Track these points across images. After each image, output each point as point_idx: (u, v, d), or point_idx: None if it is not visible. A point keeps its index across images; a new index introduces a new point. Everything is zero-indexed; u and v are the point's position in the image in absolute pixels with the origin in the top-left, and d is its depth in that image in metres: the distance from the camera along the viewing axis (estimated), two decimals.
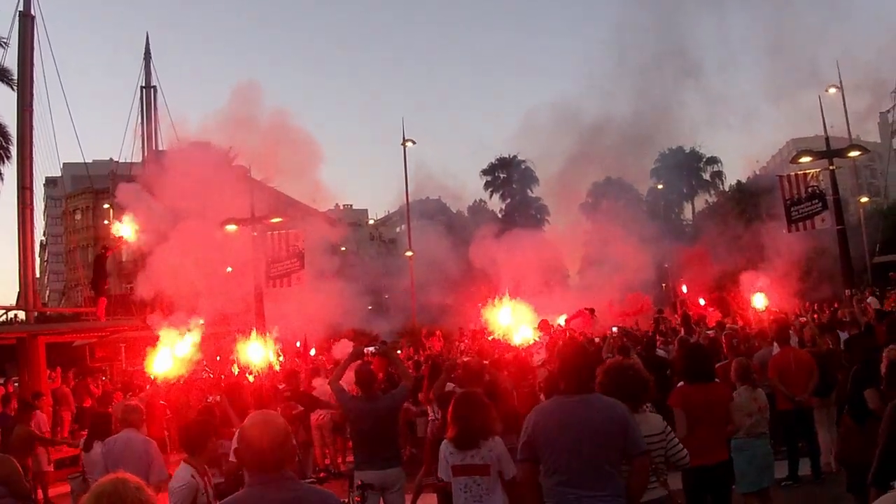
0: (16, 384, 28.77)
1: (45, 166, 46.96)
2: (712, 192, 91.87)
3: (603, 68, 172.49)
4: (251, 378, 24.90)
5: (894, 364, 9.49)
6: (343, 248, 32.99)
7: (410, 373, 13.74)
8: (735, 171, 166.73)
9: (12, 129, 38.21)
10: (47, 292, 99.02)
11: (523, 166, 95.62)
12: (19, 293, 29.50)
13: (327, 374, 20.72)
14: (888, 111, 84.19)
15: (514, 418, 10.98)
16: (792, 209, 30.04)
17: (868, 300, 26.97)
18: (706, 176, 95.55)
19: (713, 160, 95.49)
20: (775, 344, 16.34)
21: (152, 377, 21.59)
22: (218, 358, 27.38)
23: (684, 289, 32.83)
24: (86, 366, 34.87)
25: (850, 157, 32.81)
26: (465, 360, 12.80)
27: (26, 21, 29.81)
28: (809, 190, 29.77)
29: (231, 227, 29.36)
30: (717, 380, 10.76)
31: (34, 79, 30.22)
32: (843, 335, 19.03)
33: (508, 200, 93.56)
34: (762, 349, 17.03)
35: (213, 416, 12.93)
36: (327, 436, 20.86)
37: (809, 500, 13.85)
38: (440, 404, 11.53)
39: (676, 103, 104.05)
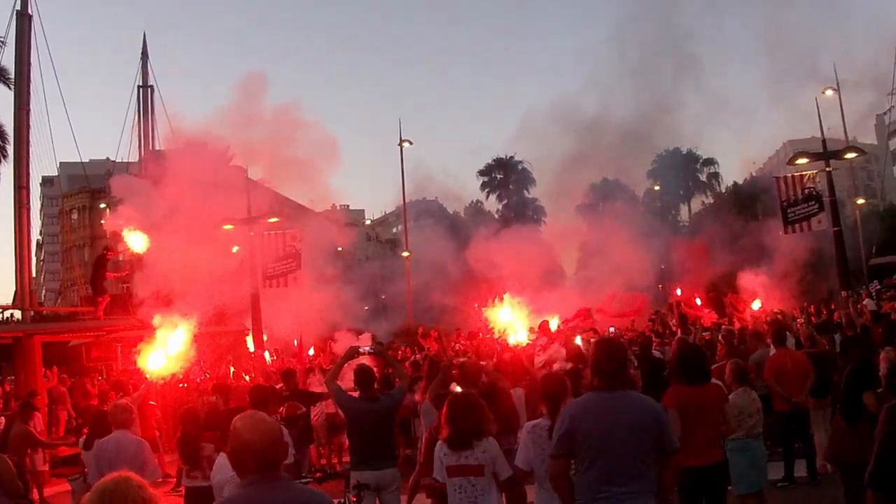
0: (11, 383, 28.77)
1: (42, 166, 46.99)
2: (709, 193, 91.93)
3: (601, 69, 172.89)
4: (247, 378, 24.94)
5: (895, 366, 9.51)
6: (339, 249, 32.88)
7: (406, 373, 13.74)
8: (731, 173, 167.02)
9: (9, 129, 38.19)
10: (43, 292, 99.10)
11: (520, 167, 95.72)
12: (15, 292, 29.51)
13: (323, 374, 20.73)
14: (885, 113, 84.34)
15: (512, 419, 11.00)
16: (788, 211, 30.10)
17: (864, 302, 26.98)
18: (703, 177, 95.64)
19: (710, 161, 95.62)
20: (771, 345, 16.37)
21: (146, 376, 21.57)
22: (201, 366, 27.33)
23: (678, 291, 32.77)
24: (81, 365, 34.86)
25: (846, 158, 32.88)
26: (462, 360, 12.76)
27: (24, 20, 29.78)
28: (806, 191, 29.83)
29: (227, 227, 29.37)
30: (713, 380, 10.77)
31: (31, 78, 30.20)
32: (836, 337, 19.09)
33: (505, 201, 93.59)
34: (758, 350, 17.03)
35: (199, 418, 12.92)
36: (322, 436, 20.86)
37: (805, 501, 13.86)
38: (435, 405, 11.53)
39: (674, 104, 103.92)
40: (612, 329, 26.29)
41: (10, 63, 33.31)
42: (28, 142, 30.07)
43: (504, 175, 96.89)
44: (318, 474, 11.63)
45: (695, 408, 9.31)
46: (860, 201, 61.45)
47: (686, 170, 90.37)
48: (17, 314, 31.33)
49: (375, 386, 11.77)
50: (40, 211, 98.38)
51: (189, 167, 27.43)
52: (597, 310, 28.88)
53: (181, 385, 23.58)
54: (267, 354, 29.86)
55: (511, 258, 29.57)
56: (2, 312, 37.55)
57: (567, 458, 7.19)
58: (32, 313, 30.89)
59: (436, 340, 27.76)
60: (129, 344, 26.38)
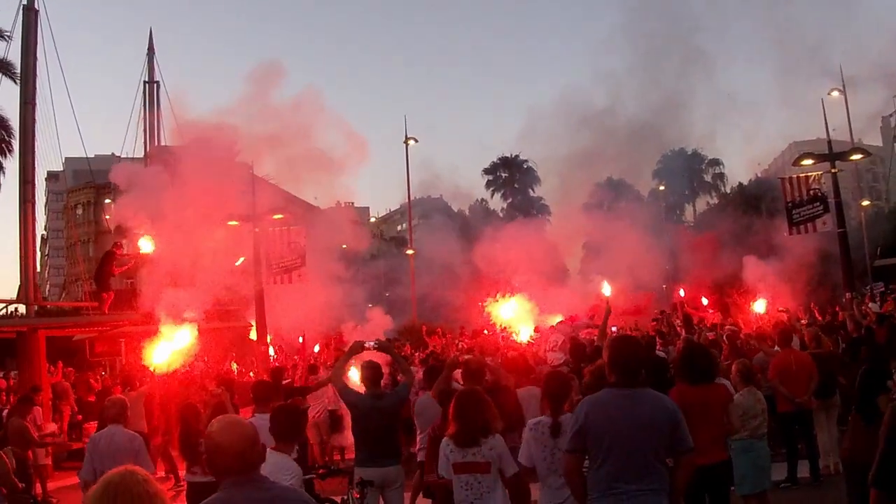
0: (14, 377, 28.79)
1: (47, 161, 46.86)
2: (714, 193, 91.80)
3: (606, 68, 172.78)
4: (252, 375, 24.94)
5: None
6: (344, 246, 32.85)
7: (411, 369, 13.70)
8: (736, 174, 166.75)
9: (14, 123, 38.22)
10: (48, 286, 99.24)
11: (525, 166, 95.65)
12: (20, 287, 29.48)
13: (327, 371, 20.73)
14: (891, 115, 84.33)
15: (515, 417, 10.98)
16: (793, 212, 30.11)
17: (868, 306, 26.93)
18: (708, 178, 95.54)
19: (715, 162, 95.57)
20: (776, 346, 16.35)
21: (151, 369, 21.54)
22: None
23: (681, 292, 32.71)
24: (85, 360, 34.88)
25: (852, 160, 32.84)
26: (467, 358, 12.76)
27: (30, 15, 29.74)
28: (811, 192, 29.83)
29: (232, 223, 29.36)
30: (719, 380, 10.76)
31: (37, 73, 30.15)
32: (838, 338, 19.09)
33: (510, 200, 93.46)
34: (762, 351, 17.00)
35: (198, 414, 12.92)
36: (325, 432, 20.84)
37: (808, 502, 13.84)
38: (440, 401, 11.52)
39: (679, 104, 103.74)
40: (613, 329, 26.25)
41: (16, 58, 33.28)
42: (33, 137, 30.03)
43: (509, 174, 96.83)
44: (321, 470, 11.62)
45: (699, 407, 9.28)
46: (865, 203, 61.46)
47: (691, 170, 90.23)
48: (22, 308, 31.28)
49: (382, 383, 11.76)
50: (45, 206, 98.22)
51: (195, 162, 27.36)
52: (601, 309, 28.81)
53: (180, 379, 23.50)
54: (272, 350, 29.89)
55: (516, 254, 29.49)
56: (6, 307, 37.52)
57: (581, 453, 7.20)
58: (36, 308, 30.84)
59: (439, 336, 27.82)
60: (133, 339, 26.41)
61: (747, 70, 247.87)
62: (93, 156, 35.09)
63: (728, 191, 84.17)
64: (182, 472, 17.13)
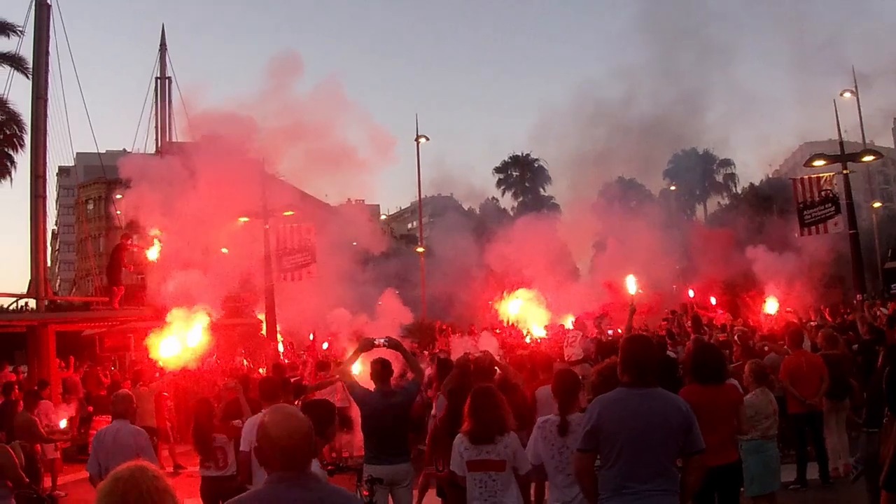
0: (24, 373, 28.84)
1: (59, 156, 47.09)
2: (725, 194, 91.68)
3: (617, 67, 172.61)
4: (262, 371, 24.93)
5: None
6: (354, 243, 32.84)
7: (421, 367, 13.67)
8: (748, 174, 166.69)
9: (26, 118, 38.32)
10: (58, 281, 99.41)
11: (536, 165, 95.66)
12: (30, 281, 29.52)
13: (336, 368, 20.70)
14: None
15: (526, 415, 10.95)
16: (805, 213, 30.05)
17: (880, 308, 26.88)
18: (719, 178, 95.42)
19: (726, 162, 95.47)
20: (787, 347, 16.29)
21: (160, 365, 21.56)
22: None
23: (691, 293, 32.66)
24: (95, 355, 34.94)
25: (863, 161, 32.73)
26: (477, 355, 12.73)
27: (42, 10, 29.79)
28: (823, 194, 29.76)
29: (243, 219, 29.38)
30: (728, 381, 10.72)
31: (49, 68, 30.21)
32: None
33: (521, 199, 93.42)
34: (772, 353, 16.94)
35: (211, 409, 12.93)
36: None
37: None
38: (448, 398, 11.50)
39: (691, 104, 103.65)
40: (619, 330, 26.21)
41: (28, 52, 33.40)
42: (45, 131, 30.08)
43: (520, 172, 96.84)
44: (329, 467, 11.61)
45: (709, 408, 9.24)
46: (877, 204, 61.36)
47: (702, 170, 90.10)
48: (32, 303, 31.33)
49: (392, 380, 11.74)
50: (56, 201, 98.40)
51: (208, 158, 27.35)
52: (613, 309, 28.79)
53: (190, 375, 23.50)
54: (281, 347, 29.86)
55: (526, 250, 29.49)
56: (16, 301, 37.56)
57: (593, 453, 7.19)
58: (47, 302, 30.92)
59: (440, 332, 27.76)
60: (143, 334, 26.43)
61: (760, 70, 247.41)
62: (104, 151, 35.14)
63: (739, 191, 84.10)
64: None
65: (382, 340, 11.95)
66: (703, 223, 77.60)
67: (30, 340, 27.54)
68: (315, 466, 7.82)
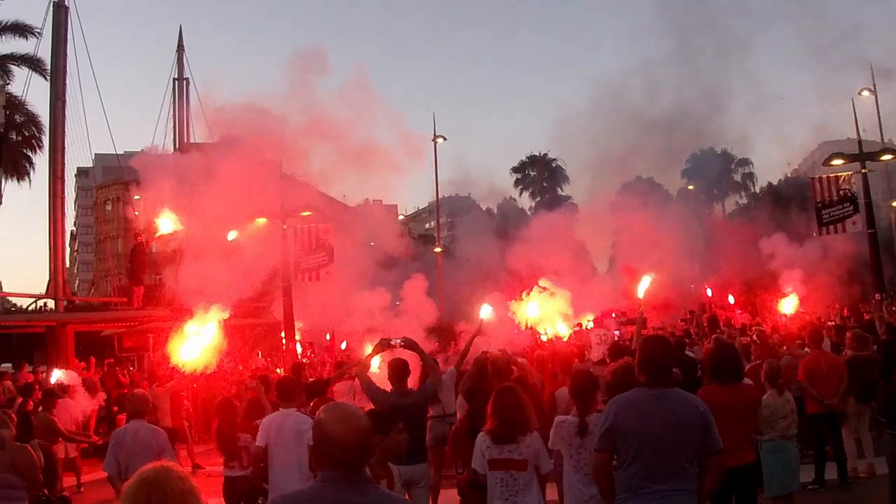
0: (44, 373, 28.96)
1: (77, 157, 47.28)
2: (743, 193, 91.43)
3: (635, 66, 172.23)
4: (279, 371, 24.96)
5: None
6: (372, 244, 32.79)
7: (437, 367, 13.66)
8: (766, 173, 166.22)
9: (45, 120, 38.62)
10: (77, 282, 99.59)
11: (554, 164, 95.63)
12: (49, 282, 29.66)
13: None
14: None
15: (543, 415, 10.94)
16: (823, 212, 29.98)
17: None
18: (737, 177, 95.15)
19: (745, 161, 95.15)
20: (806, 347, 16.23)
21: (178, 366, 21.62)
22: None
23: (709, 292, 32.61)
24: (113, 355, 35.08)
25: (882, 160, 32.59)
26: (494, 355, 12.74)
27: (60, 11, 29.97)
28: (841, 193, 29.68)
29: (261, 220, 29.40)
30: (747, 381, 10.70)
31: (67, 69, 30.38)
32: None
33: (538, 198, 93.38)
34: (791, 352, 16.88)
35: (235, 409, 12.98)
36: None
37: None
38: (467, 399, 11.49)
39: (709, 103, 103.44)
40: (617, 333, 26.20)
41: (46, 54, 33.59)
42: (63, 133, 30.27)
43: (538, 172, 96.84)
44: None
45: (727, 408, 9.21)
46: (895, 203, 61.07)
47: (720, 170, 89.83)
48: (51, 304, 31.50)
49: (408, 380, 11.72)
50: (75, 202, 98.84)
51: (226, 157, 27.34)
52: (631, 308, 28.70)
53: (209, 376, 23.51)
54: (299, 347, 29.90)
55: (546, 249, 29.42)
56: (35, 301, 37.74)
57: (610, 453, 7.17)
58: (65, 303, 31.07)
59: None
60: (161, 334, 26.49)
61: (776, 67, 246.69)
62: (122, 152, 35.28)
63: (757, 191, 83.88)
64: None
65: (399, 341, 11.95)
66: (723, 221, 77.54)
67: (49, 341, 27.69)
68: None
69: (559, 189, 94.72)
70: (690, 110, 79.30)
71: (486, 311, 20.19)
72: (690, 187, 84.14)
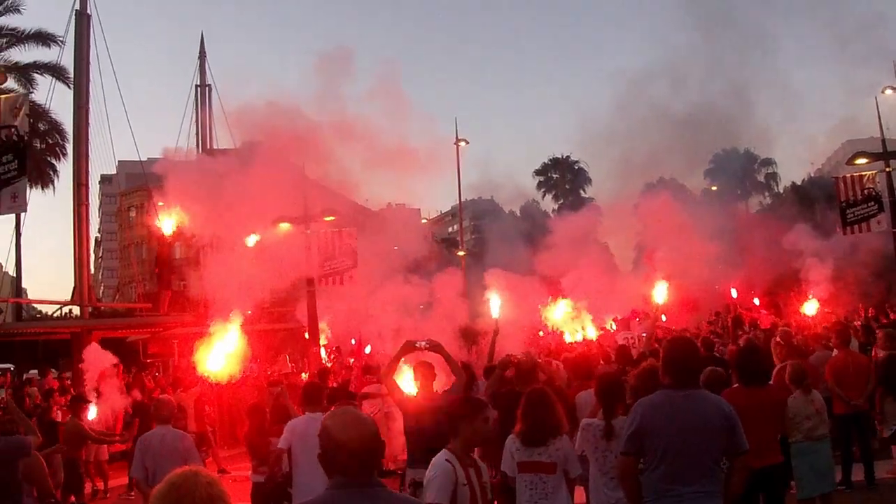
0: (69, 379, 29.07)
1: (101, 164, 47.49)
2: (766, 194, 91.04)
3: (656, 67, 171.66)
4: (304, 376, 24.97)
5: None
6: (396, 248, 32.76)
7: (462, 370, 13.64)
8: (788, 173, 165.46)
9: (68, 127, 38.83)
10: (101, 288, 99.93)
11: (577, 167, 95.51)
12: (74, 288, 29.78)
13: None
14: None
15: (568, 419, 10.93)
16: (847, 211, 29.86)
17: None
18: (760, 177, 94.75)
19: (768, 161, 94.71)
20: (833, 346, 16.11)
21: (203, 375, 21.63)
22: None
23: (734, 293, 32.47)
24: (139, 361, 35.19)
25: None
26: (518, 358, 12.70)
27: (82, 20, 30.07)
28: (865, 192, 29.56)
29: (284, 225, 29.42)
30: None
31: (90, 77, 30.51)
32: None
33: (561, 201, 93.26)
34: (818, 352, 16.77)
35: (265, 414, 13.01)
36: (383, 433, 20.58)
37: None
38: (491, 402, 11.47)
39: (732, 102, 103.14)
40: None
41: (69, 62, 33.74)
42: (87, 140, 30.39)
43: (560, 175, 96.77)
44: None
45: (752, 409, 9.18)
46: None
47: (744, 170, 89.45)
48: (76, 310, 31.62)
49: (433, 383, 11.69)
50: (99, 208, 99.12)
51: (249, 163, 27.37)
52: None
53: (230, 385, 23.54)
54: (323, 352, 29.89)
55: (570, 251, 29.41)
56: (60, 308, 37.87)
57: (636, 456, 7.16)
58: (90, 309, 31.17)
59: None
60: (186, 340, 26.57)
61: (799, 64, 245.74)
62: (146, 159, 35.39)
63: (781, 191, 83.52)
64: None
65: (423, 343, 11.91)
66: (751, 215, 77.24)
67: (74, 347, 27.76)
68: None
69: (582, 191, 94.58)
70: (713, 110, 78.87)
71: (495, 304, 20.20)
72: (714, 188, 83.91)
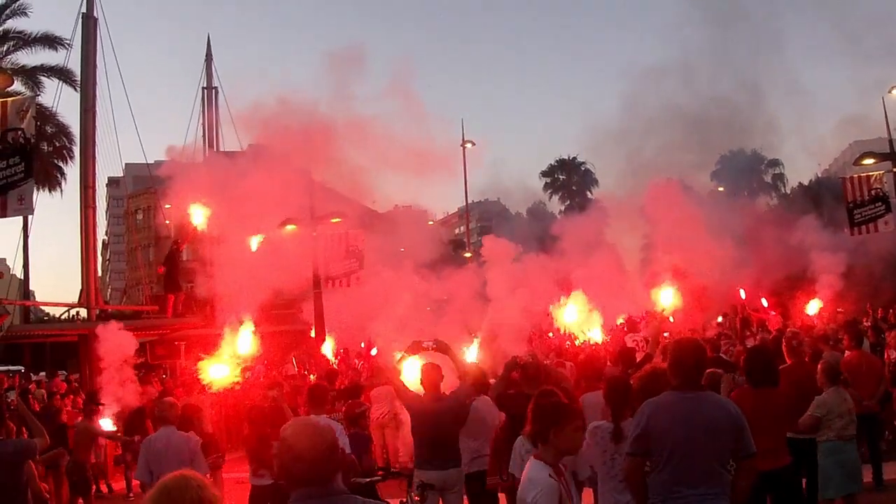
0: (77, 380, 29.07)
1: (107, 166, 47.56)
2: (773, 195, 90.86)
3: (662, 67, 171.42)
4: (312, 378, 24.92)
5: None
6: (402, 249, 32.71)
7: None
8: (795, 173, 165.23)
9: (75, 130, 38.85)
10: (109, 291, 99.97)
11: (583, 168, 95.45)
12: (81, 291, 29.79)
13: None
14: None
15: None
16: (854, 212, 29.84)
17: None
18: (767, 178, 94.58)
19: (775, 162, 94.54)
20: (846, 347, 16.04)
21: (207, 382, 21.59)
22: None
23: (742, 293, 32.38)
24: (146, 363, 35.18)
25: None
26: (524, 360, 12.64)
27: (89, 23, 30.06)
28: (873, 192, 29.54)
29: (290, 228, 29.38)
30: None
31: (97, 80, 30.49)
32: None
33: (568, 202, 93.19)
34: (828, 353, 16.69)
35: (265, 417, 12.98)
36: (389, 434, 20.60)
37: None
38: (498, 404, 11.45)
39: (739, 103, 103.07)
40: (665, 333, 26.05)
41: (75, 65, 33.74)
42: (94, 143, 30.39)
43: (567, 176, 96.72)
44: (380, 472, 11.60)
45: (760, 411, 9.14)
46: None
47: (750, 171, 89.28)
48: (83, 312, 31.62)
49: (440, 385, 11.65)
50: (106, 211, 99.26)
51: (255, 165, 27.33)
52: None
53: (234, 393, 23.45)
54: (330, 353, 29.82)
55: (577, 251, 29.39)
56: (68, 310, 37.87)
57: (643, 457, 7.15)
58: (98, 312, 31.15)
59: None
60: (193, 342, 26.54)
61: (806, 64, 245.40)
62: (152, 161, 35.38)
63: (788, 192, 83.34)
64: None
65: (430, 343, 11.89)
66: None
67: (81, 349, 27.76)
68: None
69: (588, 192, 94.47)
70: (720, 110, 78.73)
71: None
72: (720, 189, 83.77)
